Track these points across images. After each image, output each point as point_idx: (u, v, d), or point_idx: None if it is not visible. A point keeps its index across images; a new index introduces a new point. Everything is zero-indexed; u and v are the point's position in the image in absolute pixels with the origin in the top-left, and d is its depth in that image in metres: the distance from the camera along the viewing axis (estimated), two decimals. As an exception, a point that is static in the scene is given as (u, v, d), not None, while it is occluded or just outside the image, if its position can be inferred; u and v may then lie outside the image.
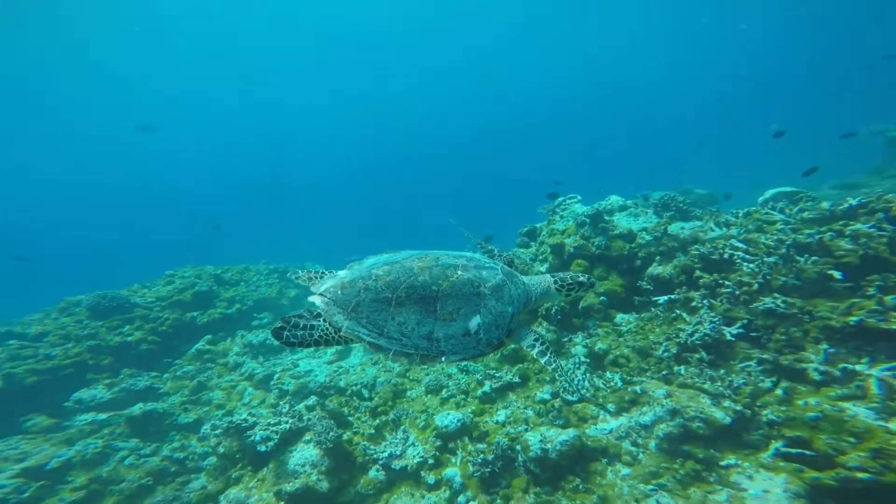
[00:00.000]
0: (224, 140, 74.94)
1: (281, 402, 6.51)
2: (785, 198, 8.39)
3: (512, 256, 3.65)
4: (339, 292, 2.75)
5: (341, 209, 64.71)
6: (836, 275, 5.21)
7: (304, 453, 5.50)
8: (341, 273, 2.94)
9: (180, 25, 50.39)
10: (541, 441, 4.84)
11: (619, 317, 6.95)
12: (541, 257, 8.17)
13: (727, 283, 5.89)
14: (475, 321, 2.67)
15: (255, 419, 5.97)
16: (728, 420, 4.39)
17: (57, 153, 68.47)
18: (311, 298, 2.81)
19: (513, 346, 5.53)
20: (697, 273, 6.43)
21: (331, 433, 5.31)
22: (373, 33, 59.00)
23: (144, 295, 12.38)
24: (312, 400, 7.04)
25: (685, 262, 6.69)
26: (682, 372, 5.35)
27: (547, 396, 6.08)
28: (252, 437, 5.65)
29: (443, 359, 2.62)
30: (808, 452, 3.91)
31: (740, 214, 7.59)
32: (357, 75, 67.19)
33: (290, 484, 4.86)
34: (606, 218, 7.97)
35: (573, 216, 8.28)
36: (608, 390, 5.72)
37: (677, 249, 7.09)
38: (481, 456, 5.01)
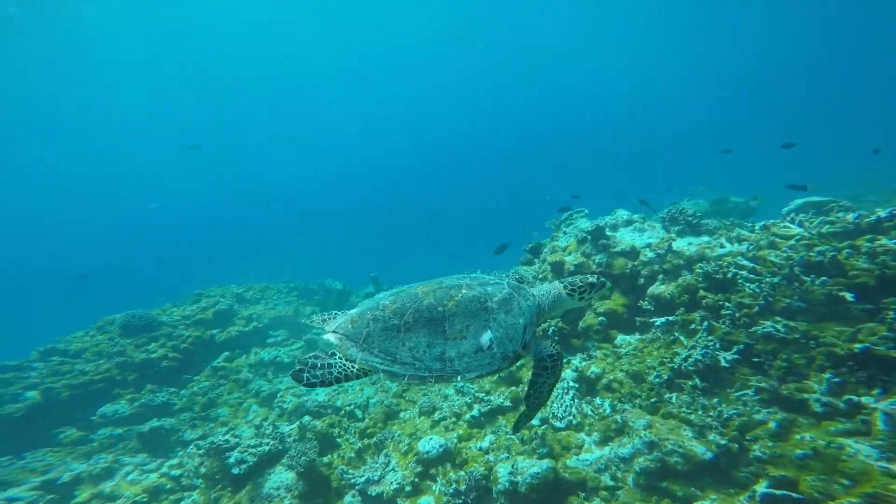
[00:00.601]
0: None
1: (265, 423, 6.60)
2: (814, 208, 7.85)
3: (517, 274, 3.64)
4: (350, 326, 2.84)
5: (364, 226, 66.04)
6: (848, 297, 4.78)
7: (282, 476, 5.51)
8: (352, 311, 3.04)
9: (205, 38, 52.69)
10: (510, 473, 4.62)
11: (620, 338, 6.64)
12: (541, 276, 7.94)
13: (728, 304, 5.52)
14: (486, 336, 2.68)
15: (237, 440, 6.05)
16: (709, 455, 4.05)
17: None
18: (324, 336, 2.92)
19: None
20: (701, 293, 6.07)
21: (303, 457, 5.30)
22: (394, 46, 60.11)
23: (172, 313, 12.97)
24: (306, 419, 7.08)
25: (689, 281, 6.33)
26: (674, 400, 5.01)
27: (535, 422, 5.85)
28: (229, 459, 5.73)
29: (458, 378, 2.64)
30: (794, 495, 3.54)
31: (756, 228, 7.16)
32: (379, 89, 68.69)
33: None
34: (608, 234, 7.69)
35: (576, 232, 8.02)
36: (596, 417, 5.44)
37: (682, 267, 6.73)
38: (454, 486, 4.84)
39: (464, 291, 2.83)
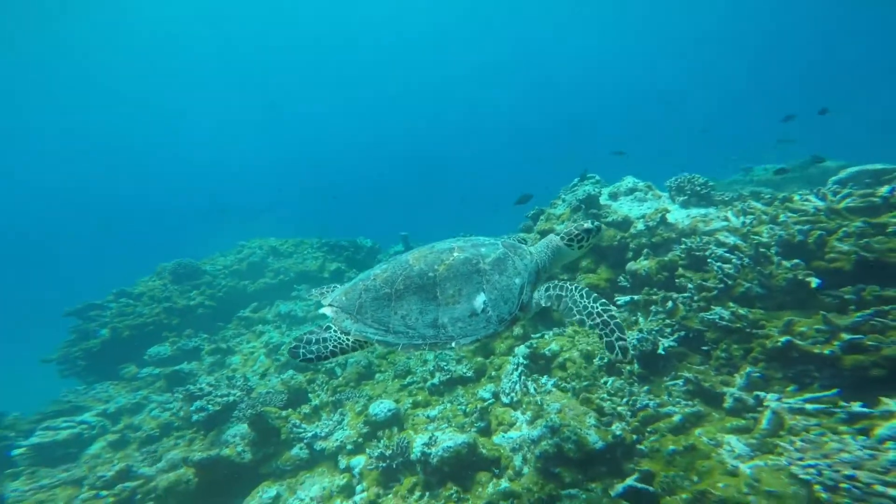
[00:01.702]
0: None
1: (237, 374, 7.43)
2: (870, 177, 6.99)
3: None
4: (344, 298, 2.94)
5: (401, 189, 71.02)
6: (813, 283, 4.40)
7: (241, 426, 6.29)
8: (346, 283, 3.19)
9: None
10: (424, 444, 4.93)
11: (595, 315, 6.54)
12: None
13: (690, 286, 5.27)
14: (480, 299, 2.67)
15: (211, 388, 6.91)
16: (600, 445, 4.08)
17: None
18: (321, 310, 3.05)
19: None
20: (679, 272, 5.80)
21: (250, 410, 5.98)
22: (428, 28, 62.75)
23: (216, 262, 14.44)
24: (290, 373, 7.85)
25: (670, 257, 6.05)
26: (608, 384, 4.99)
27: (487, 395, 6.08)
28: (192, 406, 6.61)
29: (453, 344, 2.65)
30: (650, 489, 3.57)
31: (776, 200, 6.56)
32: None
33: (201, 454, 5.65)
34: (602, 203, 7.40)
35: (571, 199, 7.79)
36: (537, 395, 5.55)
37: (673, 241, 6.41)
38: (379, 450, 5.28)
39: (455, 255, 2.84)
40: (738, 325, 4.49)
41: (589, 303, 2.73)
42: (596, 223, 3.01)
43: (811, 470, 2.78)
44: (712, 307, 4.83)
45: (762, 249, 4.87)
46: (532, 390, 5.68)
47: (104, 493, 5.90)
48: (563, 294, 2.80)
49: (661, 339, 4.90)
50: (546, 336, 6.59)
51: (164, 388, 9.68)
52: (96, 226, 74.75)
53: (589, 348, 5.72)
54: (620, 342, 2.59)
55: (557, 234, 3.07)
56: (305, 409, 6.52)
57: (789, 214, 5.55)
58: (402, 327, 2.71)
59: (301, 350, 2.80)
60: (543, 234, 7.67)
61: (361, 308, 2.81)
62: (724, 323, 4.56)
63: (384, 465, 5.20)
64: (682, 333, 4.84)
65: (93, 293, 14.43)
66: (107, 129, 66.90)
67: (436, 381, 6.62)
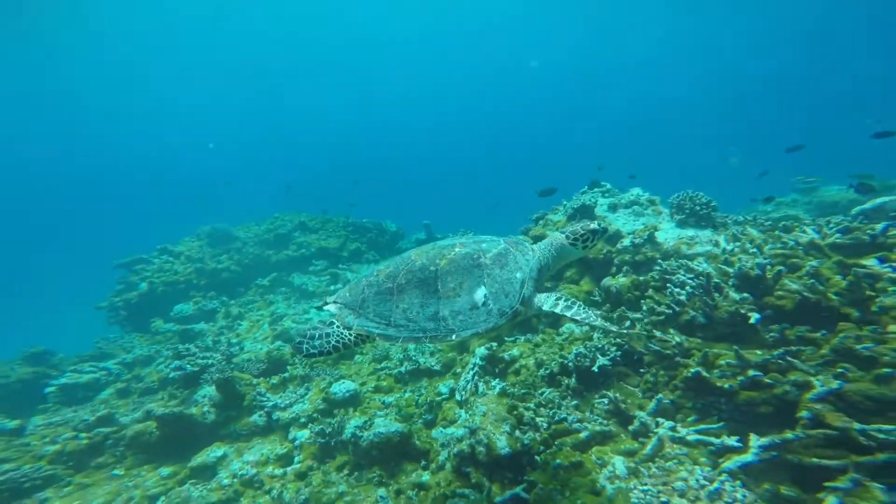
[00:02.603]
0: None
1: (222, 339, 8.12)
2: None
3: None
4: (348, 294, 3.11)
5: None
6: (752, 318, 4.42)
7: (210, 389, 6.97)
8: (351, 280, 3.65)
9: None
10: (357, 427, 5.37)
11: (567, 326, 6.70)
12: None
13: (644, 308, 5.36)
14: (480, 292, 2.78)
15: (197, 350, 7.67)
16: (506, 451, 4.33)
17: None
18: (325, 308, 3.18)
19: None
20: (650, 292, 5.87)
21: (217, 374, 6.64)
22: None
23: (249, 230, 15.49)
24: (278, 343, 8.52)
25: (645, 278, 6.11)
26: (545, 394, 5.21)
27: (445, 390, 6.43)
28: (171, 364, 7.36)
29: (453, 336, 2.74)
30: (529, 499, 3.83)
31: (777, 229, 6.42)
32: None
33: (164, 409, 6.35)
34: (599, 213, 7.48)
35: (568, 208, 7.91)
36: (483, 396, 5.83)
37: (656, 261, 6.44)
38: (321, 426, 5.77)
39: (457, 250, 3.00)
40: (669, 352, 4.58)
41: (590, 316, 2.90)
42: (602, 225, 3.13)
43: (643, 495, 2.96)
44: (654, 331, 4.91)
45: (717, 280, 4.88)
46: (480, 391, 5.98)
47: (82, 435, 6.79)
48: (572, 305, 2.93)
49: (599, 356, 5.04)
50: (519, 340, 6.83)
51: (177, 345, 10.69)
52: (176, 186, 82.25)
53: (545, 358, 5.92)
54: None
55: (563, 233, 3.17)
56: (275, 379, 7.12)
57: (772, 246, 5.47)
58: (402, 320, 2.81)
59: (305, 346, 2.96)
60: (536, 239, 7.84)
61: (364, 303, 2.95)
62: (657, 348, 4.67)
63: (322, 440, 5.69)
64: (617, 354, 4.97)
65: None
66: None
67: (403, 369, 7.03)
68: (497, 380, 6.05)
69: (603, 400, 4.74)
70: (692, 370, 4.11)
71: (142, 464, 6.38)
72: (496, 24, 65.22)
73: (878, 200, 7.05)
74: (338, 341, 2.93)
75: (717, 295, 4.78)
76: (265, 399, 6.65)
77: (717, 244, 6.36)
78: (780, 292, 4.54)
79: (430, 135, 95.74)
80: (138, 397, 8.36)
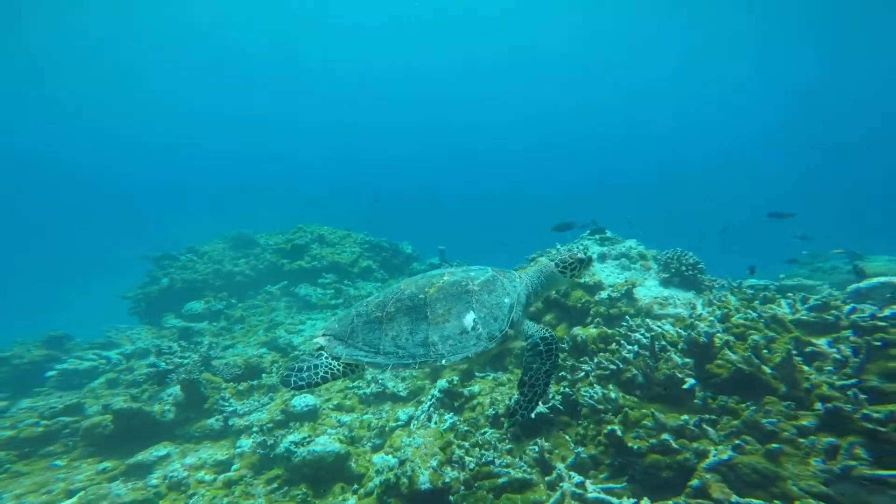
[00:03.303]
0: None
1: (203, 341, 8.51)
2: (892, 291, 6.49)
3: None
4: (337, 325, 3.21)
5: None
6: (686, 384, 4.46)
7: (176, 388, 7.30)
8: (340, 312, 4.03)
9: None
10: (292, 443, 5.61)
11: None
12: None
13: (594, 361, 5.42)
14: (469, 317, 2.89)
15: (179, 349, 8.08)
16: (426, 486, 4.48)
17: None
18: (314, 339, 3.30)
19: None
20: (613, 346, 5.91)
21: (183, 375, 6.99)
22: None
23: (270, 238, 16.20)
24: (262, 350, 8.88)
25: (611, 332, 6.16)
26: (486, 435, 5.30)
27: (403, 417, 6.58)
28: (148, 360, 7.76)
29: (443, 361, 2.85)
30: None
31: (757, 301, 6.34)
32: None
33: (122, 403, 6.70)
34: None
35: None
36: (426, 429, 5.95)
37: (624, 316, 6.49)
38: (263, 437, 6.01)
39: (445, 278, 3.14)
40: (602, 407, 4.62)
41: (544, 366, 3.17)
42: (588, 255, 3.39)
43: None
44: (595, 385, 4.96)
45: (664, 342, 4.92)
46: (433, 423, 6.10)
47: (41, 422, 7.21)
48: (552, 347, 3.17)
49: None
50: (487, 377, 6.92)
51: (175, 341, 11.26)
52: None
53: (499, 398, 6.00)
54: (521, 411, 3.27)
55: (552, 260, 3.37)
56: (242, 386, 7.44)
57: (740, 316, 5.44)
58: (392, 347, 2.90)
59: (293, 378, 3.01)
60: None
61: (353, 332, 3.05)
62: (591, 402, 4.72)
63: (262, 452, 5.92)
64: (554, 404, 5.04)
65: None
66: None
67: (368, 391, 7.22)
68: (451, 414, 6.17)
69: (534, 447, 4.81)
70: (609, 427, 4.16)
71: (88, 456, 6.68)
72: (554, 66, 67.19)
73: (875, 280, 6.82)
74: (326, 372, 3.02)
75: (661, 357, 4.81)
76: (227, 404, 6.98)
77: (693, 307, 6.35)
78: (719, 361, 4.57)
79: (467, 162, 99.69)
80: (124, 389, 8.84)
